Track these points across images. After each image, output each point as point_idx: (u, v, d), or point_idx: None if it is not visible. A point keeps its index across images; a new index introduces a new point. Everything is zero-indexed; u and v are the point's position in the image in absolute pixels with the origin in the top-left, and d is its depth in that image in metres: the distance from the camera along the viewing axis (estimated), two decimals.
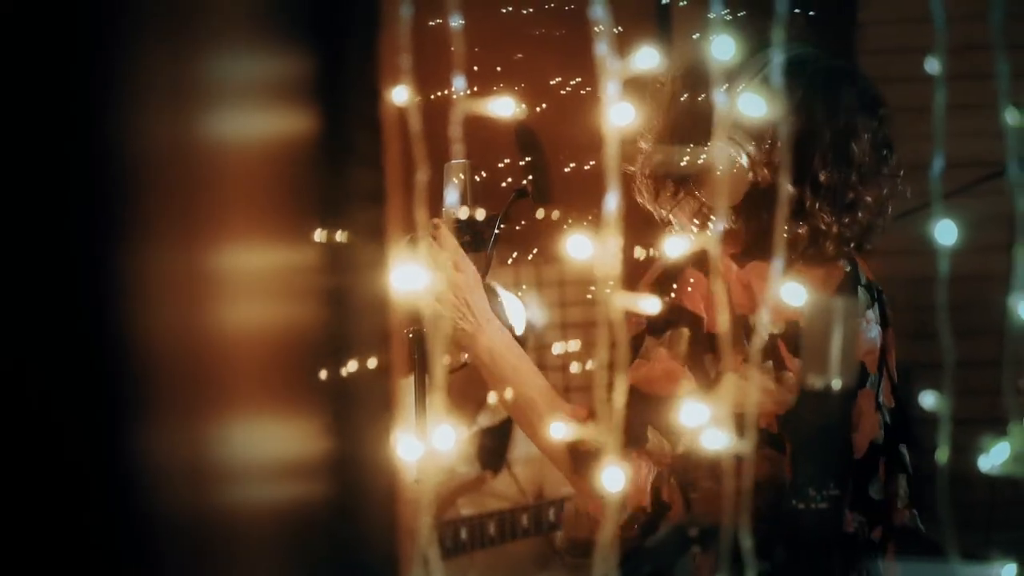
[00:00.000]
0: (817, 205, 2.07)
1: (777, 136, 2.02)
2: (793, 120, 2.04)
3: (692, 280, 2.04)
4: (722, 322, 1.91)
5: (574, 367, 3.56)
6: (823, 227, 2.08)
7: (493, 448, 3.72)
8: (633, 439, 2.03)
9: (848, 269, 2.18)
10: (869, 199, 2.10)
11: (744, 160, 2.05)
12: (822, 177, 2.06)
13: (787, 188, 2.04)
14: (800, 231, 2.07)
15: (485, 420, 3.77)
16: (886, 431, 2.19)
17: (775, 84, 2.04)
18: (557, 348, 3.73)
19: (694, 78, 2.07)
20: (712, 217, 2.11)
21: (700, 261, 2.04)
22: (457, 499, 3.72)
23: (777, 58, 2.06)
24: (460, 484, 3.72)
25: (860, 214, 2.09)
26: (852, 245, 2.13)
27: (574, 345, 3.37)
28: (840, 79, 2.13)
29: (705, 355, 2.01)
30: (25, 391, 0.83)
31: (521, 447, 3.73)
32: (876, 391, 2.18)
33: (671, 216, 2.17)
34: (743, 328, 2.02)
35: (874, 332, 2.20)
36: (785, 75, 2.05)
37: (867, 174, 2.09)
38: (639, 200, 2.22)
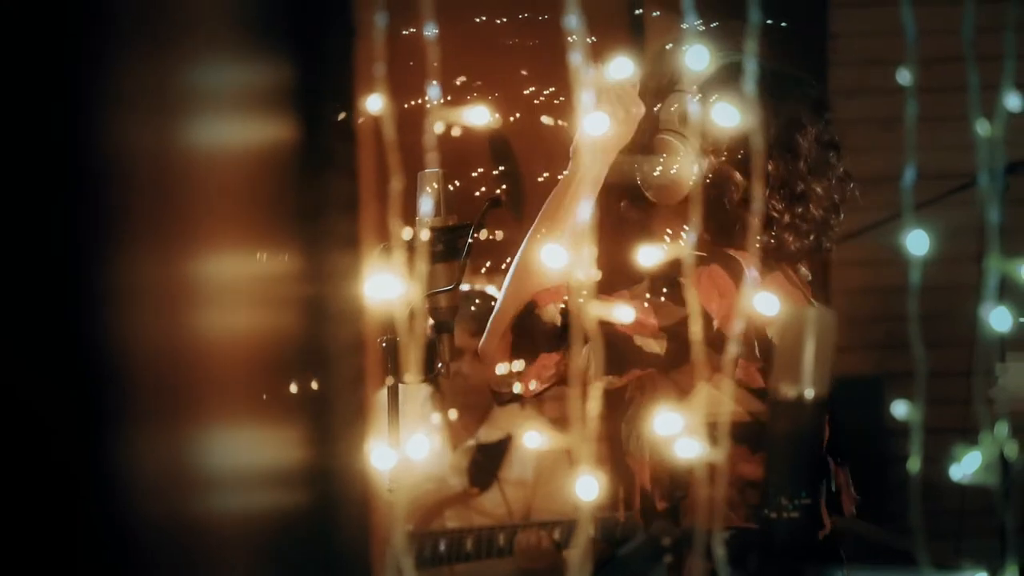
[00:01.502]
0: (767, 193, 2.12)
1: (723, 129, 2.09)
2: (739, 115, 2.09)
3: (702, 277, 2.07)
4: (697, 329, 1.92)
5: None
6: (775, 215, 2.13)
7: (485, 465, 3.71)
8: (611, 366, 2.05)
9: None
10: (819, 190, 2.15)
11: (691, 151, 2.11)
12: (770, 167, 2.13)
13: (734, 176, 2.11)
14: (754, 220, 2.12)
15: (484, 435, 3.76)
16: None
17: (721, 83, 2.10)
18: None
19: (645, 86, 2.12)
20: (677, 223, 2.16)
21: (721, 259, 2.09)
22: (444, 510, 3.71)
23: (718, 62, 2.13)
24: (447, 496, 3.71)
25: (811, 205, 2.15)
26: (811, 238, 2.17)
27: None
28: (787, 79, 2.21)
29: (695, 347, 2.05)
30: (8, 399, 0.82)
31: (515, 468, 3.72)
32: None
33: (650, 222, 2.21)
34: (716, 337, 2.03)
35: None
36: (733, 75, 2.11)
37: (814, 167, 2.15)
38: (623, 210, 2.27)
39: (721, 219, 2.14)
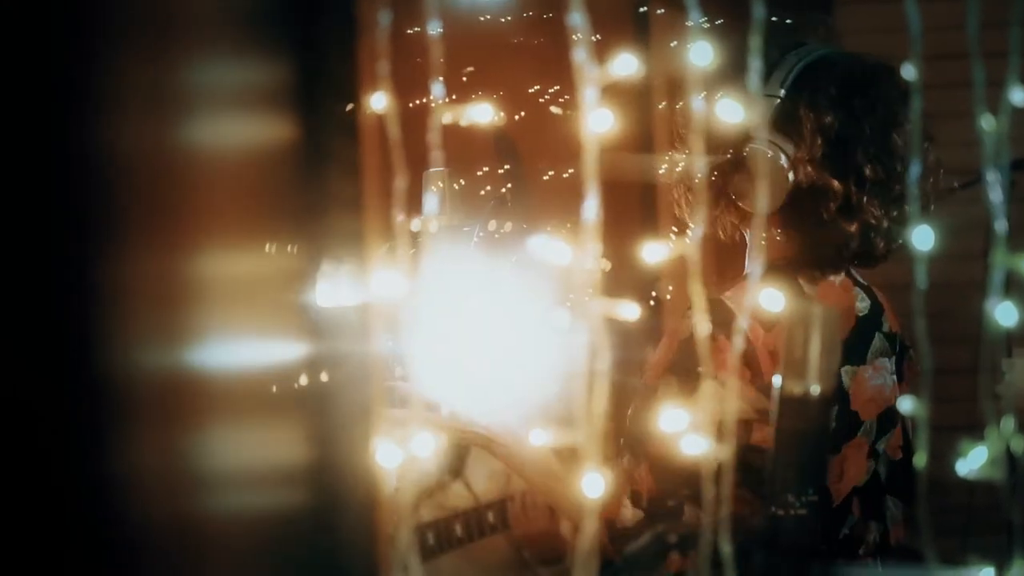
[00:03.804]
0: (865, 200, 2.04)
1: (816, 133, 2.01)
2: (830, 116, 2.02)
3: (723, 349, 1.95)
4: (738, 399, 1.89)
5: None
6: (873, 222, 2.05)
7: (454, 452, 3.71)
8: (631, 448, 2.03)
9: (864, 312, 2.16)
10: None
11: (784, 160, 2.03)
12: (867, 171, 2.04)
13: (831, 183, 2.03)
14: (851, 228, 2.06)
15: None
16: (873, 478, 2.16)
17: (809, 81, 2.04)
18: None
19: (720, 82, 2.04)
20: (749, 228, 2.09)
21: (726, 325, 1.96)
22: (419, 503, 3.71)
23: (807, 57, 2.06)
24: (422, 489, 3.71)
25: (908, 206, 2.05)
26: (899, 242, 2.11)
27: None
28: (876, 73, 2.10)
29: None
30: (4, 400, 0.83)
31: (483, 462, 3.72)
32: (871, 440, 2.15)
33: (713, 227, 2.14)
34: (767, 394, 1.98)
35: (883, 381, 2.16)
36: (820, 71, 2.04)
37: (911, 163, 2.03)
38: (676, 213, 2.20)
39: (817, 228, 2.06)
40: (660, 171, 2.19)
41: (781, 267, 2.09)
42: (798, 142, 2.03)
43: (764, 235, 2.09)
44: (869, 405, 2.13)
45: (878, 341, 2.18)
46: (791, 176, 2.04)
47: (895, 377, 2.20)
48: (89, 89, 0.86)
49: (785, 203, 2.06)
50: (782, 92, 2.03)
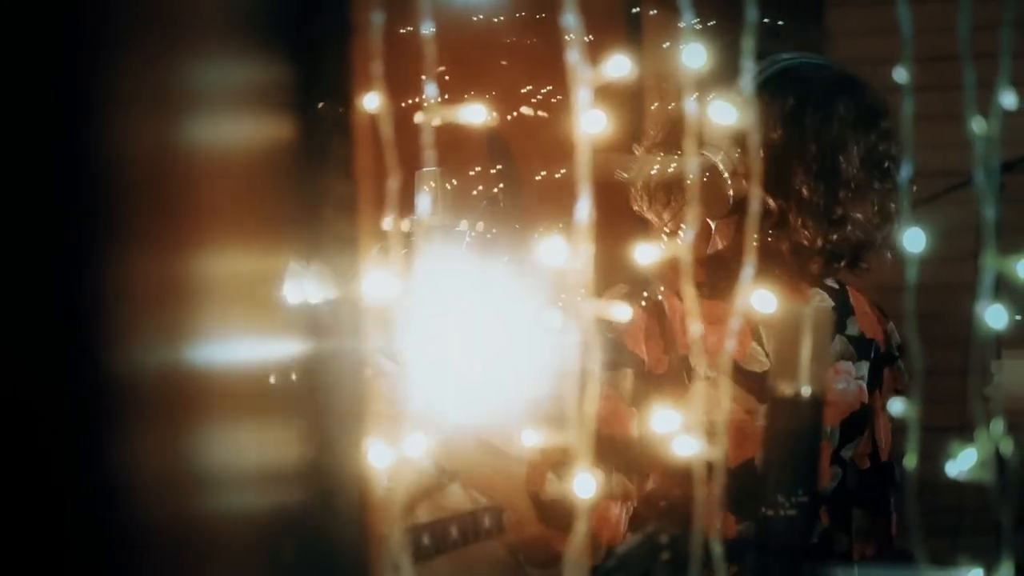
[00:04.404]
0: (800, 221, 1.99)
1: (761, 148, 1.96)
2: (778, 131, 1.99)
3: (632, 317, 1.96)
4: (663, 360, 1.88)
5: None
6: (805, 243, 2.01)
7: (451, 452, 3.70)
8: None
9: (833, 315, 2.10)
10: (860, 216, 2.01)
11: (725, 171, 1.99)
12: (805, 191, 1.99)
13: (767, 201, 1.99)
14: (782, 247, 2.02)
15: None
16: (840, 487, 2.13)
17: (767, 93, 2.01)
18: None
19: (685, 84, 2.02)
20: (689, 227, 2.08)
21: (639, 295, 1.99)
22: (415, 503, 3.70)
23: (772, 67, 2.03)
24: (419, 490, 3.70)
25: (850, 229, 2.01)
26: (843, 263, 2.07)
27: None
28: (837, 91, 2.06)
29: (650, 395, 1.96)
30: (3, 398, 0.83)
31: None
32: (834, 445, 2.11)
33: (669, 226, 2.12)
34: (685, 369, 1.98)
35: (845, 386, 2.12)
36: (780, 84, 2.01)
37: (858, 189, 2.01)
38: (635, 208, 2.18)
39: (743, 243, 1.99)
40: (651, 171, 2.19)
41: (724, 267, 2.07)
42: (742, 152, 2.00)
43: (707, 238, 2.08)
44: (830, 409, 2.09)
45: (839, 344, 2.14)
46: (730, 189, 2.00)
47: (863, 383, 2.16)
48: (86, 89, 0.86)
49: (727, 213, 2.04)
50: (728, 99, 2.02)
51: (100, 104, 0.88)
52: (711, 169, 1.99)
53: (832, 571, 2.11)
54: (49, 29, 0.85)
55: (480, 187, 2.31)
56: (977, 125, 1.19)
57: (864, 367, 2.15)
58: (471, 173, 2.34)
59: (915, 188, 2.09)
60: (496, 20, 2.68)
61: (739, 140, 1.98)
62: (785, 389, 1.38)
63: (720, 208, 2.01)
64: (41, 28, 0.85)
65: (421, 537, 3.53)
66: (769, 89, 2.01)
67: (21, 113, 0.85)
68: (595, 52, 1.23)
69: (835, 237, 2.03)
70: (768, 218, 2.01)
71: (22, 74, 0.84)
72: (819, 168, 2.01)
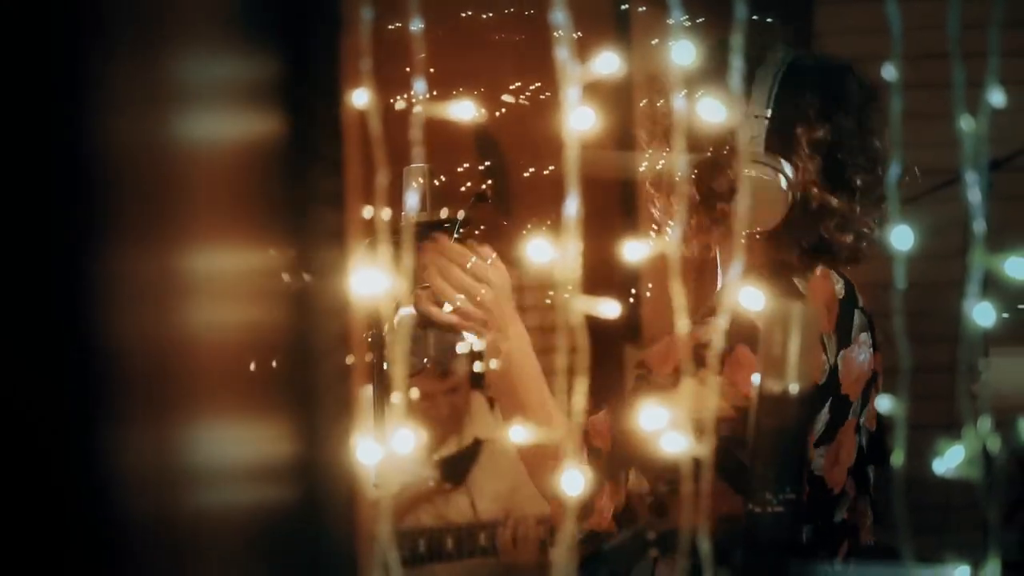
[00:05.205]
0: (859, 210, 2.03)
1: (813, 151, 1.98)
2: (821, 132, 2.00)
3: (742, 358, 1.94)
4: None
5: None
6: (867, 231, 2.06)
7: (457, 462, 3.71)
8: (615, 471, 2.01)
9: (843, 294, 2.14)
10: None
11: (784, 182, 1.98)
12: (858, 181, 2.03)
13: (829, 200, 2.00)
14: (847, 240, 2.05)
15: (455, 443, 3.76)
16: (859, 454, 2.17)
17: (793, 94, 2.00)
18: None
19: (698, 81, 1.87)
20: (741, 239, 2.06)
21: (750, 335, 1.97)
22: (417, 506, 3.70)
23: (779, 72, 2.02)
24: (421, 491, 3.71)
25: (884, 207, 2.06)
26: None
27: None
28: (841, 77, 2.08)
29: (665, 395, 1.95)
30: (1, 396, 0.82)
31: (487, 474, 3.71)
32: (858, 418, 2.15)
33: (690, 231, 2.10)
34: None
35: (864, 356, 2.16)
36: (795, 87, 2.01)
37: (886, 165, 2.04)
38: (653, 211, 2.16)
39: (813, 240, 2.03)
40: (640, 169, 2.18)
41: (773, 270, 2.07)
42: (796, 162, 2.00)
43: (748, 243, 2.06)
44: (855, 385, 2.14)
45: (857, 317, 2.19)
46: (790, 196, 2.01)
47: (872, 349, 2.21)
48: (79, 86, 0.86)
49: (781, 220, 2.04)
50: (768, 112, 2.00)
51: (93, 99, 0.88)
52: (764, 183, 1.98)
53: (819, 568, 2.11)
54: (48, 26, 0.85)
55: (468, 183, 2.31)
56: (966, 123, 1.19)
57: (870, 336, 2.19)
58: (459, 169, 2.34)
59: (906, 181, 2.10)
60: (485, 16, 2.68)
61: (781, 149, 1.98)
62: (773, 386, 1.38)
63: (774, 217, 2.01)
64: (40, 25, 0.85)
65: (417, 542, 3.54)
66: (790, 92, 2.01)
67: (17, 111, 0.84)
68: (584, 49, 1.23)
69: (879, 218, 2.08)
70: (830, 218, 2.02)
71: (18, 72, 0.84)
72: (862, 154, 2.04)
